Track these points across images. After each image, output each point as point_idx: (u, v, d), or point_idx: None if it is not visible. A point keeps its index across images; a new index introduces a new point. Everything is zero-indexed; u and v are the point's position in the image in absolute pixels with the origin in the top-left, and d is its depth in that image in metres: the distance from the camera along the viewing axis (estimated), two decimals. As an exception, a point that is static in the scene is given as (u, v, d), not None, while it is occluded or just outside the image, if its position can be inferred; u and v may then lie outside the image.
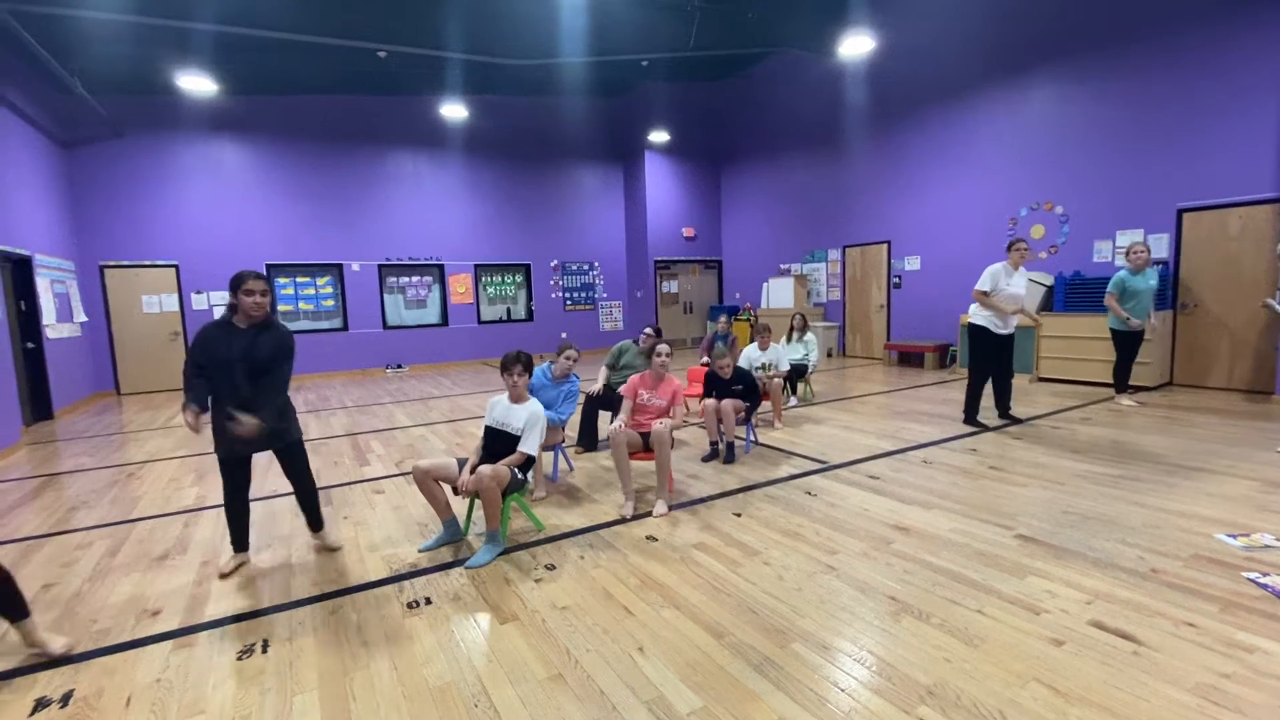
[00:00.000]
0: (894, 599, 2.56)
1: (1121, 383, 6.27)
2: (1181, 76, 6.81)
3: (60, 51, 7.51)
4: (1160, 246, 7.10)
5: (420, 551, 3.24)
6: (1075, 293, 7.36)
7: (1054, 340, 7.51)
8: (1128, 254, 6.00)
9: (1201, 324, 6.88)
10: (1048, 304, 7.72)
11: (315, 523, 3.37)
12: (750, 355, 6.00)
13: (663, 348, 4.14)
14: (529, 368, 3.42)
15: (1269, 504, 3.43)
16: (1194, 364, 6.98)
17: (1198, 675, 2.00)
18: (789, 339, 7.03)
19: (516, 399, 3.38)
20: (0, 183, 6.87)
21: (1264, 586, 2.53)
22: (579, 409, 5.30)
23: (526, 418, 3.30)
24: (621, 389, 4.22)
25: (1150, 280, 5.93)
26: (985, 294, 5.42)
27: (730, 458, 4.70)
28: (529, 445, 3.26)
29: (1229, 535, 3.03)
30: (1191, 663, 2.06)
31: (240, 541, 3.20)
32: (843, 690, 2.00)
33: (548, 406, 4.21)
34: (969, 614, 2.42)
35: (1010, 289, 5.38)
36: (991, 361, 5.54)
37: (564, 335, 13.12)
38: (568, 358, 4.41)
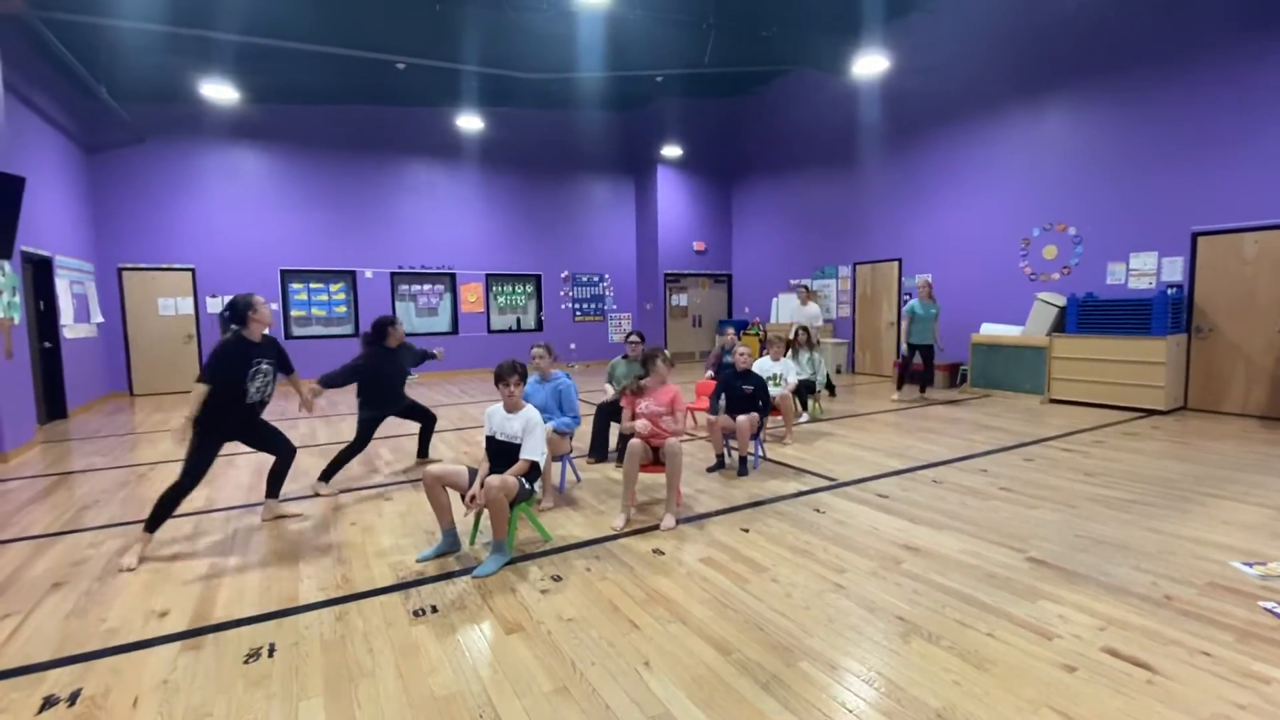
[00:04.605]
0: (903, 620, 2.54)
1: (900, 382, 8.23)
2: (1196, 99, 6.80)
3: (87, 59, 7.68)
4: (1175, 270, 7.07)
5: (418, 561, 3.23)
6: (1088, 314, 7.33)
7: (1066, 362, 7.46)
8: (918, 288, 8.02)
9: (1216, 348, 6.82)
10: (1059, 325, 7.68)
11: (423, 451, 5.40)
12: (762, 366, 5.98)
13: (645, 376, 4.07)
14: (525, 377, 3.43)
15: (1286, 533, 3.37)
16: (1209, 389, 6.90)
17: (1213, 705, 1.96)
18: (793, 354, 6.89)
19: (511, 408, 3.39)
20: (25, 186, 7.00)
21: (1281, 617, 2.48)
22: (590, 421, 5.31)
23: (523, 424, 3.31)
24: (622, 401, 4.21)
25: (930, 309, 7.90)
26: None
27: (743, 470, 4.69)
28: (532, 451, 3.27)
29: (1245, 563, 2.98)
30: (1207, 693, 2.03)
31: (328, 475, 4.62)
32: (850, 711, 1.98)
33: (543, 409, 4.21)
34: (979, 637, 2.39)
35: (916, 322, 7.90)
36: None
37: (572, 346, 13.16)
38: (535, 356, 4.46)
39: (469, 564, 3.17)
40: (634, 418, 4.05)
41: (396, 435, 6.53)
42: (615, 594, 2.82)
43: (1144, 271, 7.34)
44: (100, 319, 9.18)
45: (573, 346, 13.19)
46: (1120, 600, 2.66)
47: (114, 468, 5.39)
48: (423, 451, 5.41)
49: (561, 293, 13.20)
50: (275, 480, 4.01)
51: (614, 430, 5.33)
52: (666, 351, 4.24)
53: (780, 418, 5.90)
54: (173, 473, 5.17)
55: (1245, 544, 3.23)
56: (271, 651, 2.41)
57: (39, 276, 7.47)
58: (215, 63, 8.39)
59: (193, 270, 10.07)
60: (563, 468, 4.47)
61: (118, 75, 8.38)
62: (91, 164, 9.37)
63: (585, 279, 13.43)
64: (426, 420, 5.36)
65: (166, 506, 3.45)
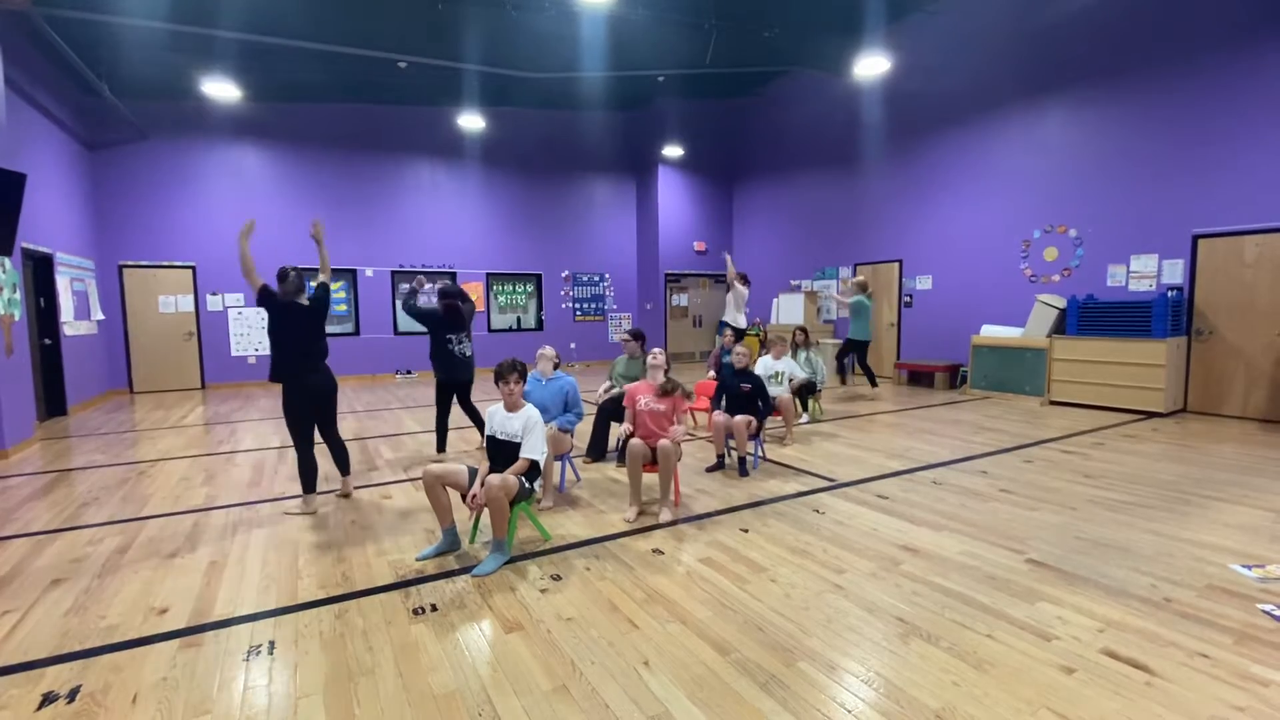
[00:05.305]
0: (902, 620, 2.54)
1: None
2: (1198, 101, 6.80)
3: (89, 55, 7.67)
4: (1175, 272, 7.07)
5: (418, 560, 3.23)
6: (1088, 316, 7.33)
7: (1066, 364, 7.46)
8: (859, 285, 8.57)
9: (1216, 351, 6.82)
10: (1060, 327, 7.68)
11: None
12: (766, 364, 6.00)
13: (656, 350, 4.17)
14: (524, 376, 3.44)
15: (1285, 535, 3.38)
16: (1208, 391, 6.91)
17: (1211, 708, 1.97)
18: (791, 354, 6.91)
19: (512, 407, 3.40)
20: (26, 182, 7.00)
21: (1279, 619, 2.49)
22: (589, 420, 5.31)
23: (523, 423, 3.32)
24: (624, 399, 4.22)
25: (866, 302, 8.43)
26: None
27: (743, 471, 4.70)
28: (531, 450, 3.28)
29: (1244, 566, 2.98)
30: (1205, 695, 2.03)
31: (441, 445, 5.49)
32: (849, 712, 1.98)
33: (544, 407, 4.22)
34: (978, 638, 2.39)
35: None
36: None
37: (573, 346, 13.16)
38: (544, 354, 4.61)
39: (468, 563, 3.17)
40: (636, 414, 4.07)
41: (397, 434, 6.54)
42: (615, 593, 2.83)
43: (1144, 274, 7.34)
44: (101, 316, 9.18)
45: (573, 346, 13.19)
46: (1119, 602, 2.66)
47: (114, 465, 5.39)
48: (441, 447, 5.61)
49: (562, 292, 13.20)
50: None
51: (613, 430, 5.35)
52: (658, 348, 4.29)
53: (780, 418, 5.91)
54: (172, 470, 5.21)
55: (1244, 546, 3.24)
56: (271, 649, 2.41)
57: (40, 273, 7.47)
58: (217, 60, 8.39)
59: (193, 268, 10.07)
60: (563, 467, 4.48)
61: (120, 72, 8.39)
62: (93, 161, 9.37)
63: (586, 278, 13.43)
64: (446, 411, 5.64)
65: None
